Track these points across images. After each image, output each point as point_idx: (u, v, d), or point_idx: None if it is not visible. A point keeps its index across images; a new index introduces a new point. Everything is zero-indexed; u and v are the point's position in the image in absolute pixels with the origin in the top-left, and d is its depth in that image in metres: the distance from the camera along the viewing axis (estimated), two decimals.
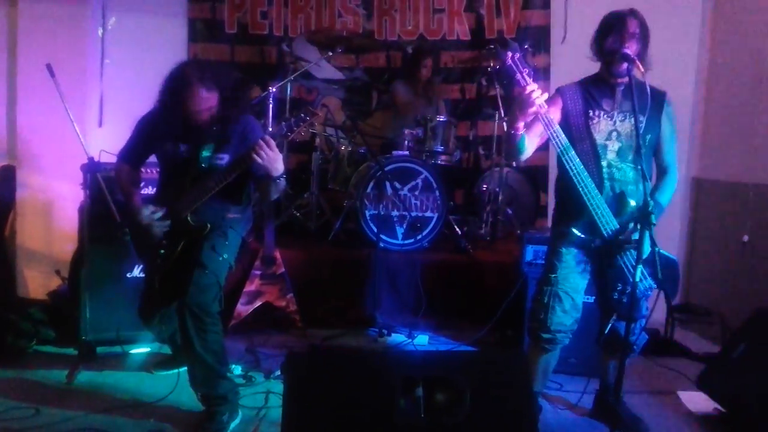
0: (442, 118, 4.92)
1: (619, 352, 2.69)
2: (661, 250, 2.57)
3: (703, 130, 5.03)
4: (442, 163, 4.99)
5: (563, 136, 2.64)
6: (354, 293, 4.33)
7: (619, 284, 2.70)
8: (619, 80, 2.75)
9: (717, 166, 4.86)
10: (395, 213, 4.51)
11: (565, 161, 2.65)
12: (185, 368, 2.99)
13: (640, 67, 2.59)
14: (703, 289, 4.81)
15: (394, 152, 4.74)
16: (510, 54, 2.54)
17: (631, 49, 2.64)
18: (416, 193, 4.54)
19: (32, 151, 4.67)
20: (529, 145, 2.75)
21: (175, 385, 3.13)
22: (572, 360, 3.40)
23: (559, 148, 2.64)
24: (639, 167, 2.57)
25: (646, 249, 2.48)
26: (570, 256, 2.79)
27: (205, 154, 2.88)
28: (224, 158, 2.88)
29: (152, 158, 3.14)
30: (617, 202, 2.70)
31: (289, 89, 4.95)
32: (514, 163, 5.11)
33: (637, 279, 2.44)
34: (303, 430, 2.07)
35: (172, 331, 3.14)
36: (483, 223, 5.14)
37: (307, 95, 5.66)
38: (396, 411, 2.05)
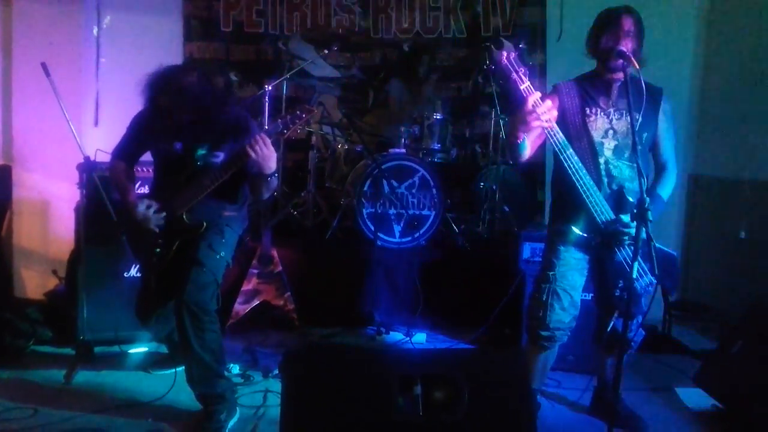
0: (438, 116, 4.92)
1: (617, 349, 2.69)
2: (660, 246, 2.58)
3: (700, 127, 5.04)
4: (439, 160, 4.99)
5: (561, 135, 2.64)
6: (351, 292, 4.32)
7: (621, 281, 2.70)
8: (615, 77, 2.75)
9: (714, 162, 4.87)
10: (392, 211, 4.51)
11: (563, 159, 2.65)
12: (182, 368, 2.99)
13: (636, 64, 2.59)
14: (701, 285, 4.82)
15: (391, 150, 4.73)
16: (505, 53, 2.52)
17: (626, 46, 2.64)
18: (413, 191, 4.54)
19: (28, 150, 4.66)
20: (530, 146, 2.75)
21: (172, 385, 3.13)
22: (570, 357, 3.41)
23: (557, 146, 2.64)
24: (635, 164, 2.57)
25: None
26: (568, 253, 2.79)
27: (201, 152, 2.87)
28: (220, 156, 2.88)
29: (147, 157, 3.14)
30: (616, 199, 2.71)
31: (285, 87, 4.95)
32: (511, 161, 5.11)
33: (635, 275, 2.44)
34: (301, 429, 2.07)
35: (169, 330, 3.13)
36: (480, 221, 5.13)
37: (303, 93, 5.65)
38: (394, 409, 2.05)
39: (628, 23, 2.68)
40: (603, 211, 2.67)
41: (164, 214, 2.90)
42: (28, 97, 4.54)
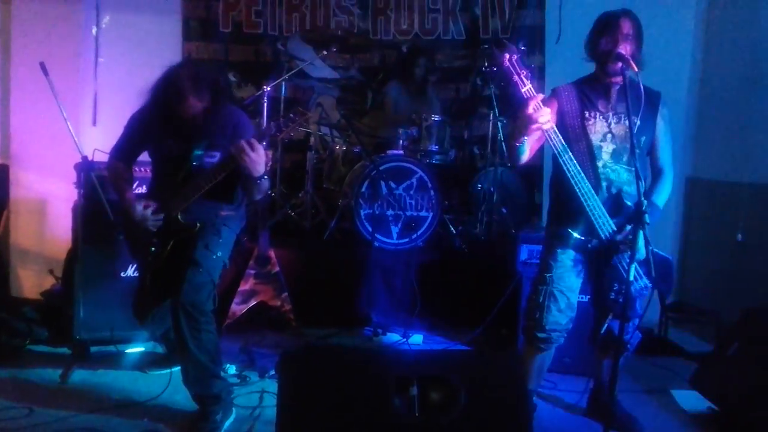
0: (436, 118, 4.92)
1: (613, 351, 2.70)
2: (655, 250, 2.58)
3: (697, 130, 5.04)
4: (437, 162, 5.00)
5: (560, 138, 2.64)
6: (349, 293, 4.32)
7: (616, 284, 2.71)
8: (614, 81, 2.75)
9: (711, 165, 4.87)
10: (390, 212, 4.51)
11: (561, 163, 2.65)
12: (179, 368, 2.99)
13: (634, 67, 2.59)
14: (697, 288, 4.82)
15: (389, 151, 4.73)
16: (507, 55, 2.53)
17: (624, 49, 2.64)
18: (411, 192, 4.54)
19: (26, 149, 4.65)
20: (529, 149, 2.76)
21: (167, 385, 3.13)
22: (567, 359, 3.41)
23: (556, 150, 2.64)
24: (633, 168, 2.58)
25: (641, 249, 2.49)
26: (565, 255, 2.79)
27: (197, 152, 2.87)
28: (215, 156, 2.88)
29: (144, 157, 3.14)
30: (614, 203, 2.71)
31: (283, 88, 4.95)
32: (509, 163, 5.12)
33: (632, 278, 2.45)
34: (298, 430, 2.07)
35: (166, 329, 3.13)
36: (478, 223, 5.14)
37: (302, 94, 5.65)
38: (390, 410, 2.05)
39: (626, 26, 2.68)
40: (601, 216, 2.67)
41: (162, 215, 2.90)
42: (27, 96, 4.53)
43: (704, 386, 3.21)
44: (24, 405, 2.99)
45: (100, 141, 3.71)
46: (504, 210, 5.16)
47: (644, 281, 2.73)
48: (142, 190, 3.53)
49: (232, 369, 3.43)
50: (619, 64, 2.62)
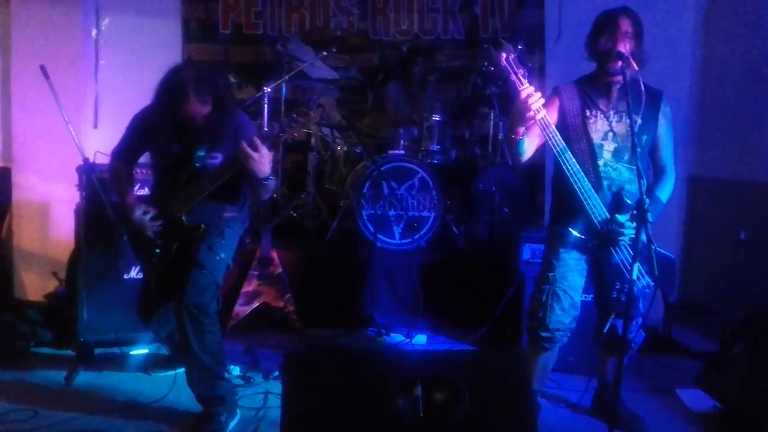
0: (437, 118, 4.92)
1: (617, 350, 2.69)
2: (658, 248, 2.58)
3: (699, 128, 5.04)
4: (439, 162, 4.99)
5: (560, 138, 2.64)
6: (352, 293, 4.32)
7: (618, 283, 2.71)
8: (615, 79, 2.75)
9: (713, 164, 4.86)
10: (392, 213, 4.51)
11: (561, 162, 2.66)
12: (183, 369, 2.98)
13: (634, 65, 2.59)
14: (701, 286, 4.82)
15: (390, 152, 4.73)
16: (504, 55, 2.53)
17: (624, 47, 2.64)
18: (413, 192, 4.54)
19: (27, 153, 4.66)
20: (530, 146, 2.76)
21: (171, 386, 3.14)
22: (571, 358, 3.41)
23: (556, 149, 2.64)
24: (635, 167, 2.57)
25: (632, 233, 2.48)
26: (568, 255, 2.79)
27: (199, 153, 2.87)
28: (218, 157, 2.88)
29: (146, 159, 3.14)
30: (614, 202, 2.71)
31: (284, 89, 4.95)
32: (510, 162, 5.11)
33: (634, 277, 2.44)
34: (302, 430, 2.07)
35: (170, 330, 3.13)
36: (480, 223, 5.13)
37: (303, 95, 5.65)
38: (395, 411, 2.05)
39: (625, 24, 2.68)
40: (601, 215, 2.67)
41: (160, 222, 2.91)
42: (28, 99, 4.54)
43: (710, 385, 3.20)
44: (29, 407, 3.00)
45: (101, 143, 3.71)
46: (506, 209, 5.15)
47: (646, 280, 2.72)
48: (144, 191, 3.54)
49: (236, 370, 3.43)
50: (619, 63, 2.62)
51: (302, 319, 4.14)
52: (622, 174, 2.76)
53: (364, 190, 4.46)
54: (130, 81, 4.80)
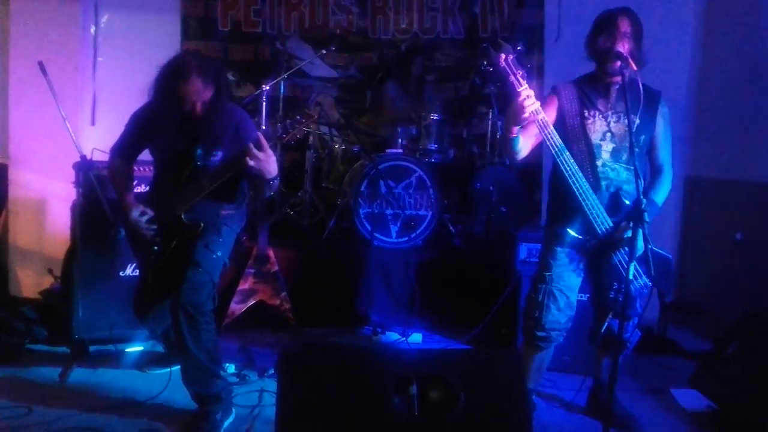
0: (436, 117, 4.92)
1: (613, 350, 2.70)
2: (655, 248, 2.58)
3: (696, 129, 5.04)
4: (436, 161, 4.99)
5: (558, 138, 2.64)
6: (348, 292, 4.32)
7: (615, 283, 2.71)
8: (614, 79, 2.75)
9: (710, 164, 4.87)
10: (389, 211, 4.51)
11: (560, 162, 2.66)
12: (178, 367, 2.98)
13: (633, 65, 2.59)
14: (696, 286, 4.82)
15: (388, 150, 4.73)
16: (503, 56, 2.53)
17: (623, 48, 2.64)
18: (410, 191, 4.54)
19: (25, 149, 4.65)
20: (525, 145, 2.76)
21: (166, 384, 3.13)
22: (566, 358, 3.41)
23: (555, 149, 2.64)
24: (632, 167, 2.57)
25: (640, 247, 2.49)
26: (564, 254, 2.80)
27: (200, 151, 2.87)
28: (218, 155, 2.87)
29: (145, 156, 3.13)
30: (612, 202, 2.71)
31: (282, 87, 4.94)
32: (507, 161, 5.12)
33: (631, 277, 2.45)
34: (297, 429, 2.07)
35: (165, 328, 3.12)
36: (477, 222, 5.13)
37: (301, 93, 5.65)
38: (390, 409, 2.05)
39: (624, 24, 2.68)
40: (599, 215, 2.67)
41: (155, 226, 2.91)
42: (25, 95, 4.53)
43: (704, 385, 3.21)
44: (23, 404, 2.99)
45: (98, 140, 3.71)
46: (503, 209, 5.15)
47: (644, 280, 2.73)
48: (142, 189, 3.53)
49: (231, 368, 3.43)
50: (618, 63, 2.62)
51: (298, 318, 4.14)
52: (620, 174, 2.76)
53: (362, 189, 4.46)
54: (128, 78, 4.78)
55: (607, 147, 2.77)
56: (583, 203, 2.66)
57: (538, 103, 2.57)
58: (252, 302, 4.05)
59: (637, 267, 2.65)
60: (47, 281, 4.27)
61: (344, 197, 4.65)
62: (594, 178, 2.73)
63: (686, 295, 4.82)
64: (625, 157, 2.76)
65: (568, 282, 2.81)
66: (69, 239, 3.83)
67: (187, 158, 2.88)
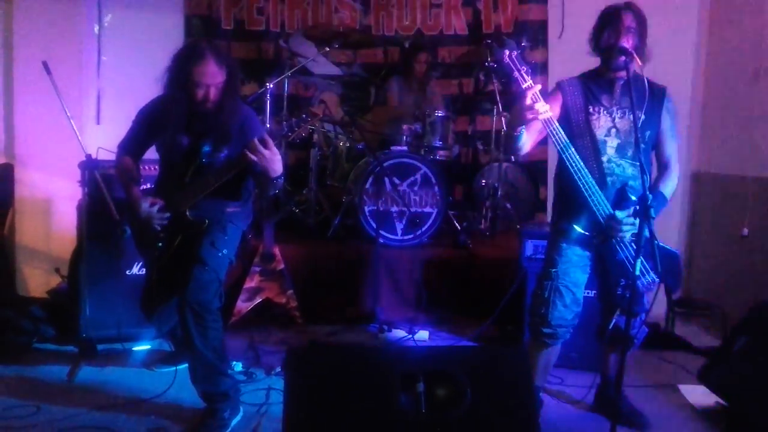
0: (440, 113, 4.91)
1: (620, 346, 2.69)
2: (662, 244, 2.57)
3: (702, 124, 5.03)
4: (441, 158, 4.99)
5: (563, 134, 2.62)
6: (354, 289, 4.33)
7: (623, 279, 2.70)
8: (618, 75, 2.74)
9: (716, 159, 4.86)
10: (394, 209, 4.51)
11: (565, 158, 2.64)
12: (184, 365, 2.98)
13: (638, 60, 2.58)
14: (703, 282, 4.81)
15: (393, 148, 4.73)
16: (507, 52, 2.52)
17: (627, 43, 2.63)
18: (415, 188, 4.54)
19: (30, 148, 4.67)
20: (528, 140, 2.75)
21: (172, 382, 3.14)
22: (573, 354, 3.40)
23: (559, 146, 2.63)
24: (638, 163, 2.56)
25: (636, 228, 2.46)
26: (571, 250, 2.79)
27: (206, 148, 2.87)
28: (224, 152, 2.87)
29: (153, 155, 3.13)
30: (618, 198, 2.70)
31: (286, 85, 4.95)
32: (512, 158, 5.11)
33: (638, 273, 2.44)
34: (304, 426, 2.07)
35: (173, 325, 3.13)
36: (482, 218, 5.13)
37: (305, 91, 5.65)
38: (397, 406, 2.05)
39: (628, 19, 2.67)
40: (606, 211, 2.67)
41: (168, 214, 2.90)
42: (30, 95, 4.54)
43: (712, 381, 3.19)
44: (31, 403, 3.00)
45: (103, 139, 3.71)
46: (508, 205, 5.15)
47: (651, 276, 2.71)
48: (148, 188, 3.53)
49: (238, 366, 3.44)
50: (622, 58, 2.61)
51: (304, 315, 4.15)
52: (625, 170, 2.75)
53: (367, 186, 4.46)
54: (132, 77, 4.79)
55: (612, 143, 2.76)
56: (588, 199, 2.65)
57: (547, 106, 2.56)
58: (258, 300, 4.06)
59: (644, 263, 2.64)
60: (54, 280, 4.29)
61: (349, 195, 4.66)
62: (599, 174, 2.72)
63: (693, 291, 4.82)
64: (630, 152, 2.75)
65: (575, 278, 2.80)
66: (75, 238, 3.84)
67: (192, 155, 2.88)
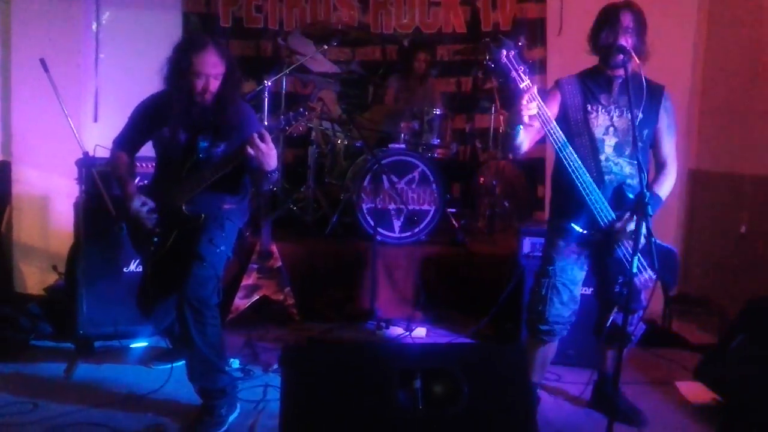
0: (438, 111, 4.92)
1: (617, 343, 2.69)
2: (659, 241, 2.58)
3: (700, 122, 5.03)
4: (439, 156, 4.99)
5: (560, 133, 2.62)
6: (351, 286, 4.33)
7: (621, 277, 2.70)
8: (617, 73, 2.74)
9: (714, 157, 4.86)
10: (392, 206, 4.51)
11: (563, 157, 2.64)
12: (181, 362, 2.97)
13: (636, 59, 2.58)
14: (701, 279, 4.82)
15: (391, 145, 4.73)
16: (504, 52, 2.51)
17: (625, 42, 2.63)
18: (413, 186, 4.54)
19: (27, 146, 4.66)
20: (526, 139, 2.74)
21: (167, 378, 3.15)
22: (571, 351, 3.41)
23: (557, 145, 2.63)
24: (636, 161, 2.56)
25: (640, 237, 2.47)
26: (568, 248, 2.79)
27: (203, 144, 2.87)
28: (221, 147, 2.88)
29: (147, 152, 3.13)
30: (616, 196, 2.70)
31: (284, 83, 4.94)
32: (510, 156, 5.11)
33: (635, 270, 2.44)
34: (301, 423, 2.07)
35: (169, 323, 3.13)
36: (480, 216, 5.14)
37: (303, 89, 5.65)
38: (394, 403, 2.05)
39: (627, 19, 2.66)
40: (603, 209, 2.67)
41: (156, 216, 2.91)
42: (28, 92, 4.54)
43: (708, 378, 3.20)
44: (29, 400, 3.00)
45: (101, 137, 3.70)
46: (506, 203, 5.15)
47: (648, 273, 2.71)
48: (142, 183, 3.53)
49: (235, 363, 3.44)
50: (620, 57, 2.61)
51: (302, 313, 4.15)
52: (623, 169, 2.75)
53: (365, 184, 4.46)
54: (130, 75, 4.80)
55: (610, 141, 2.76)
56: (586, 198, 2.65)
57: (537, 109, 2.55)
58: (256, 297, 4.06)
59: (641, 260, 2.65)
60: (51, 278, 4.29)
61: (347, 193, 4.65)
62: (597, 172, 2.72)
63: (691, 288, 4.82)
64: (628, 151, 2.75)
65: (572, 276, 2.80)
66: (72, 236, 3.83)
67: (189, 150, 2.88)
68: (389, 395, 2.05)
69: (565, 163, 2.64)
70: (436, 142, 4.91)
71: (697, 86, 5.08)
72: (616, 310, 2.77)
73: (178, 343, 3.16)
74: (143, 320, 3.23)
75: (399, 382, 2.07)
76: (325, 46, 5.00)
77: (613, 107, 2.77)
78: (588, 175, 2.65)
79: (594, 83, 2.80)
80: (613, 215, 2.67)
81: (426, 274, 4.34)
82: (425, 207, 4.55)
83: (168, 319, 3.12)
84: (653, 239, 2.48)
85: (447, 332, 4.11)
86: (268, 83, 4.57)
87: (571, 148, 2.64)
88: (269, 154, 2.66)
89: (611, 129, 2.77)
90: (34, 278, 4.57)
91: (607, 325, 2.80)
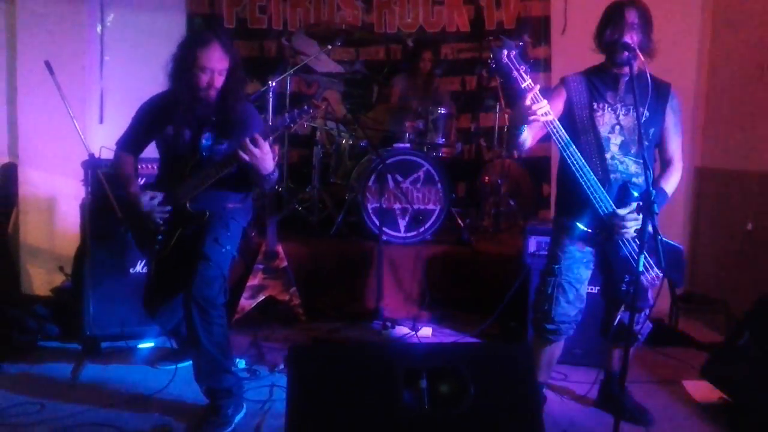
0: (443, 111, 4.91)
1: (624, 342, 2.69)
2: (665, 239, 2.57)
3: (706, 119, 5.01)
4: (444, 155, 4.99)
5: (564, 132, 2.61)
6: (357, 286, 4.33)
7: (627, 275, 2.69)
8: (623, 71, 2.72)
9: (720, 154, 4.84)
10: (397, 206, 4.51)
11: (566, 156, 2.63)
12: (185, 363, 2.97)
13: (641, 57, 2.57)
14: (707, 278, 4.80)
15: (396, 145, 4.73)
16: (506, 52, 2.50)
17: (631, 39, 2.61)
18: (418, 185, 4.53)
19: (33, 148, 4.68)
20: (530, 136, 2.73)
21: (172, 377, 3.16)
22: (577, 351, 3.41)
23: (560, 143, 2.62)
24: (641, 160, 2.55)
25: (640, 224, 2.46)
26: (574, 247, 2.78)
27: (206, 142, 2.87)
28: (224, 145, 2.88)
29: (151, 153, 3.14)
30: (621, 195, 2.69)
31: (288, 83, 4.95)
32: (515, 154, 5.11)
33: (641, 268, 2.43)
34: (307, 423, 2.07)
35: (176, 324, 3.14)
36: (485, 215, 5.13)
37: (307, 89, 5.65)
38: (400, 403, 2.05)
39: (632, 15, 2.65)
40: (608, 208, 2.66)
41: (168, 207, 2.90)
42: (33, 95, 4.55)
43: (715, 376, 3.19)
44: (36, 400, 3.01)
45: (106, 138, 3.71)
46: (512, 202, 5.15)
47: (655, 271, 2.70)
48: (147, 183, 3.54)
49: (242, 363, 3.44)
50: (625, 54, 2.59)
51: (308, 313, 4.16)
52: (629, 167, 2.74)
53: (369, 184, 4.46)
54: (135, 76, 4.80)
55: (616, 140, 2.75)
56: (591, 196, 2.64)
57: (547, 107, 2.54)
58: (262, 298, 4.06)
59: (648, 258, 2.63)
60: (58, 279, 4.31)
61: (352, 192, 4.66)
62: (603, 171, 2.71)
63: (697, 286, 4.80)
64: (634, 149, 2.74)
65: (578, 274, 2.79)
66: (79, 237, 3.85)
67: (193, 149, 2.88)
68: (395, 395, 2.05)
69: (569, 162, 2.63)
70: (441, 141, 4.91)
71: (703, 84, 5.06)
72: (622, 308, 2.76)
73: (184, 343, 3.17)
74: (149, 321, 3.24)
75: (405, 381, 2.06)
76: (329, 46, 5.00)
77: (619, 105, 2.76)
78: (592, 173, 2.65)
79: (600, 81, 2.79)
80: (612, 208, 2.66)
81: (431, 274, 4.34)
82: (430, 206, 4.54)
83: (174, 320, 3.13)
84: (660, 237, 2.48)
85: (453, 331, 4.11)
86: (272, 84, 4.58)
87: (574, 147, 2.63)
88: (264, 158, 2.65)
89: (617, 127, 2.75)
90: (41, 279, 4.59)
91: (614, 323, 2.79)
